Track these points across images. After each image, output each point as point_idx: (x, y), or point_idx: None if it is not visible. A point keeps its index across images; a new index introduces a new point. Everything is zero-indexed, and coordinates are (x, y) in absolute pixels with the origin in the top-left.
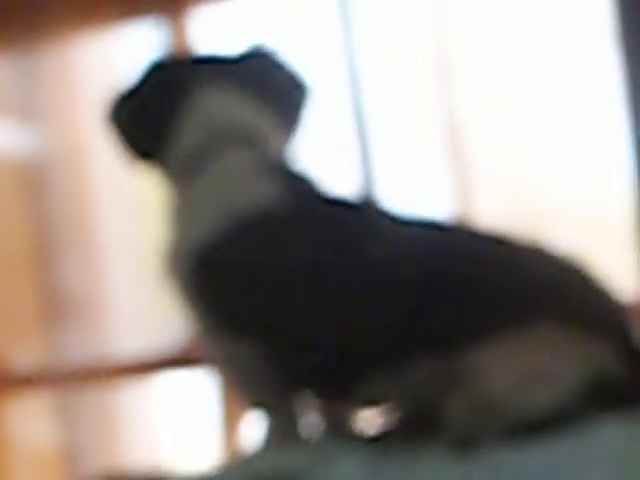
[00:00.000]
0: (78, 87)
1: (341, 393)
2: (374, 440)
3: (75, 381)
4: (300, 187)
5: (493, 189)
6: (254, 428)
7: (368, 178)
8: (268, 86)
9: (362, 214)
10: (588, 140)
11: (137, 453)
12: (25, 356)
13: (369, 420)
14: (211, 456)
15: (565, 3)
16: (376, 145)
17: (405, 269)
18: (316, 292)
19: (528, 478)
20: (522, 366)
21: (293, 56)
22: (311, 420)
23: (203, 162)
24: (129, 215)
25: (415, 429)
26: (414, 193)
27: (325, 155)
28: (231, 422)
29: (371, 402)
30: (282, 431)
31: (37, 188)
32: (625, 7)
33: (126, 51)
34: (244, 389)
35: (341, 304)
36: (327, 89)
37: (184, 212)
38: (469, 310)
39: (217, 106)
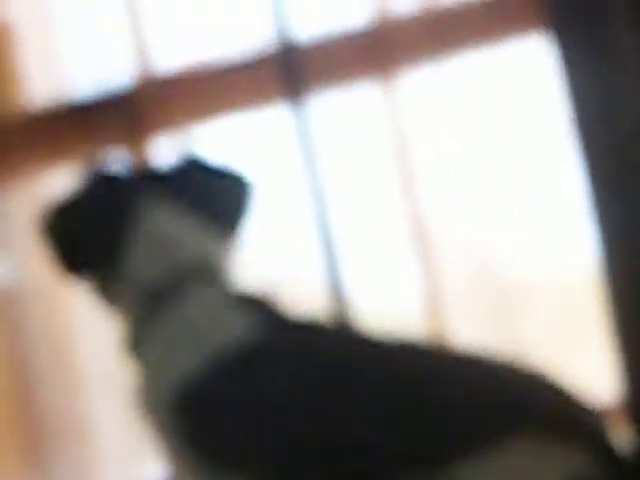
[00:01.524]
0: None
1: None
2: None
3: None
4: (268, 314)
5: (459, 270)
6: None
7: (335, 285)
8: (210, 197)
9: (333, 334)
10: (553, 217)
11: None
12: None
13: None
14: None
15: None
16: (343, 255)
17: (381, 389)
18: (298, 419)
19: None
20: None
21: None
22: None
23: (168, 297)
24: (109, 346)
25: None
26: (381, 283)
27: (290, 265)
28: None
29: None
30: None
31: (15, 316)
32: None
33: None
34: None
35: (323, 428)
36: (291, 201)
37: (153, 349)
38: (446, 427)
39: (168, 232)
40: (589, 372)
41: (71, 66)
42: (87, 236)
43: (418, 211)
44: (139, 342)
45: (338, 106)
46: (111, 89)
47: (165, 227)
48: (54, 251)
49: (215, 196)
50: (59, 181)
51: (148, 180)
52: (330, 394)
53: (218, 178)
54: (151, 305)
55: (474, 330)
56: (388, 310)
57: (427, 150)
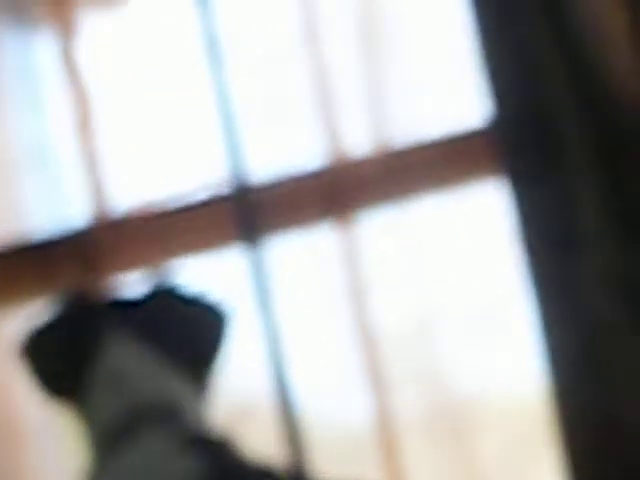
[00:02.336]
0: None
1: None
2: None
3: None
4: (220, 460)
5: (413, 389)
6: None
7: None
8: (179, 330)
9: None
10: (502, 338)
11: None
12: None
13: None
14: None
15: None
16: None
17: None
18: None
19: None
20: None
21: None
22: None
23: (123, 437)
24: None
25: None
26: (332, 411)
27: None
28: None
29: None
30: None
31: None
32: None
33: None
34: None
35: None
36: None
37: None
38: None
39: (129, 369)
40: None
41: (26, 205)
42: (56, 364)
43: (371, 342)
44: (96, 478)
45: (293, 248)
46: (67, 229)
47: (126, 362)
48: (30, 376)
49: (187, 325)
50: (14, 320)
51: (118, 309)
52: None
53: (191, 306)
54: (109, 442)
55: (428, 459)
56: (342, 442)
57: (382, 291)
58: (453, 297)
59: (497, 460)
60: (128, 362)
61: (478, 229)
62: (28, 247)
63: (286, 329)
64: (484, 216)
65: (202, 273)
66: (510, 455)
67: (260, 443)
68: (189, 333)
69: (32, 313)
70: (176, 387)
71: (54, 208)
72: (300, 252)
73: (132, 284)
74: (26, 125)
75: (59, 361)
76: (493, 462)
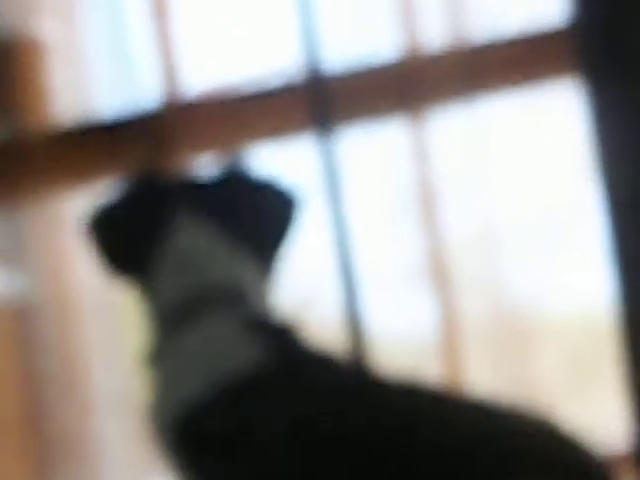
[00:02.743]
0: (64, 238)
1: None
2: None
3: None
4: (283, 345)
5: (476, 307)
6: None
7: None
8: (249, 214)
9: (349, 374)
10: (573, 257)
11: None
12: None
13: None
14: None
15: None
16: (359, 273)
17: (384, 435)
18: (299, 454)
19: None
20: None
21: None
22: None
23: (187, 317)
24: (118, 360)
25: None
26: (397, 315)
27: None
28: None
29: None
30: None
31: (24, 334)
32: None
33: None
34: None
35: (324, 465)
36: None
37: (168, 368)
38: (444, 475)
39: (199, 250)
40: (599, 418)
41: (99, 86)
42: (125, 241)
43: (439, 246)
44: (157, 358)
45: (364, 139)
46: (139, 110)
47: (195, 243)
48: (97, 251)
49: (258, 209)
50: (81, 200)
51: (188, 189)
52: (332, 432)
53: (262, 190)
54: (173, 322)
55: (488, 367)
56: (404, 344)
57: (451, 187)
58: (522, 203)
59: (557, 373)
60: (197, 243)
61: (552, 131)
62: (99, 127)
63: (353, 220)
64: (559, 118)
65: (273, 159)
66: (571, 369)
67: (323, 333)
68: (258, 217)
69: (101, 192)
70: (243, 271)
71: (126, 89)
72: (371, 145)
73: (204, 167)
74: (101, 7)
75: (126, 238)
76: (553, 374)
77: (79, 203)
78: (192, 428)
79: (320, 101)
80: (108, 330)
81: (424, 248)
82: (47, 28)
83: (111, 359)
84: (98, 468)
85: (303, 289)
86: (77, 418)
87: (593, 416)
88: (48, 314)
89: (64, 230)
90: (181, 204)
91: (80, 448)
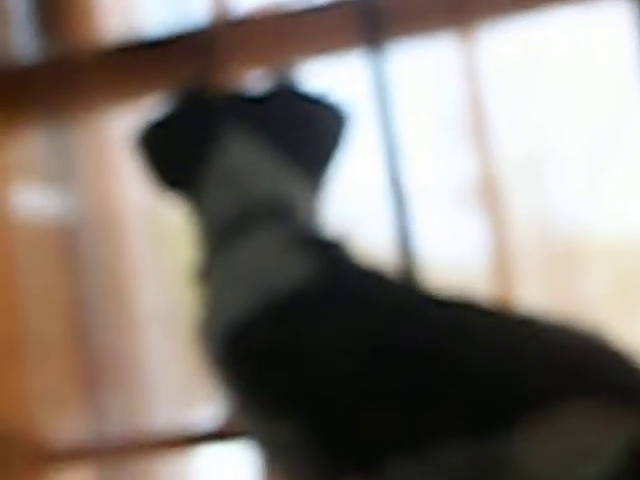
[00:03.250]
0: (111, 155)
1: (378, 473)
2: None
3: (116, 454)
4: (333, 262)
5: (528, 228)
6: None
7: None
8: (299, 129)
9: (398, 290)
10: (623, 173)
11: None
12: (65, 429)
13: None
14: None
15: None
16: (409, 193)
17: (433, 351)
18: (346, 370)
19: None
20: (562, 445)
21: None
22: None
23: (236, 233)
24: (165, 279)
25: None
26: (449, 239)
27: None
28: None
29: None
30: None
31: (71, 253)
32: None
33: None
34: (282, 467)
35: (371, 382)
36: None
37: (217, 283)
38: (497, 392)
39: (248, 165)
40: None
41: (148, 1)
42: (173, 156)
43: (489, 167)
44: (207, 273)
45: (414, 56)
46: (187, 26)
47: (245, 158)
48: (146, 166)
49: (308, 125)
50: (129, 118)
51: (238, 104)
52: (383, 348)
53: (313, 106)
54: (222, 237)
55: (538, 289)
56: (454, 264)
57: (501, 106)
58: (571, 123)
59: (606, 293)
60: (246, 158)
61: (602, 50)
62: (148, 43)
63: (403, 139)
64: (609, 36)
65: (323, 75)
66: (619, 290)
67: (372, 252)
68: (308, 133)
69: (150, 108)
70: (292, 187)
71: (176, 5)
72: (421, 62)
73: (253, 82)
74: None
75: (176, 153)
76: (602, 295)
77: (128, 121)
78: (240, 344)
79: (370, 17)
80: (156, 248)
81: (474, 169)
82: None
83: (159, 277)
84: (146, 387)
85: (353, 208)
86: (125, 337)
87: None
88: (96, 232)
89: (113, 148)
90: (231, 119)
91: (128, 367)
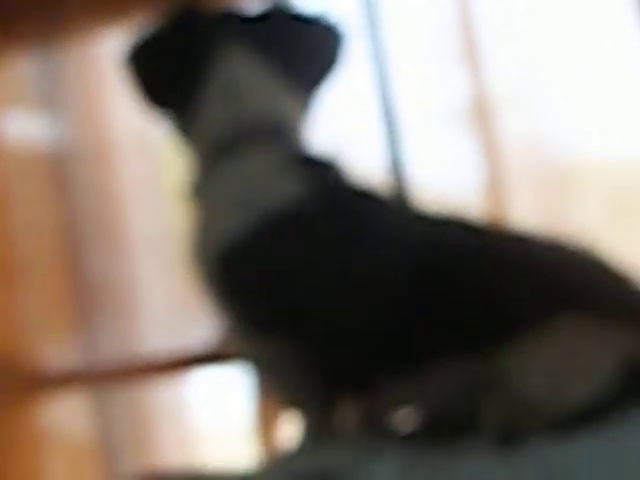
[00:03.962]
0: (101, 79)
1: (374, 391)
2: (410, 438)
3: (109, 379)
4: (326, 181)
5: (520, 150)
6: (290, 425)
7: (394, 151)
8: (294, 49)
9: (391, 209)
10: (615, 95)
11: (172, 450)
12: (57, 355)
13: (404, 418)
14: (247, 453)
15: None
16: (401, 114)
17: (427, 268)
18: (340, 288)
19: (579, 472)
20: (554, 361)
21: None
22: (347, 417)
23: (229, 151)
24: (157, 203)
25: (449, 430)
26: (441, 161)
27: (349, 127)
28: (267, 419)
29: (405, 401)
30: (318, 428)
31: (62, 179)
32: None
33: None
34: (277, 387)
35: (365, 300)
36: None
37: (210, 202)
38: (492, 310)
39: (244, 82)
40: None
41: None
42: (165, 74)
43: (480, 88)
44: (200, 193)
45: None
46: None
47: (240, 76)
48: (135, 85)
49: (303, 44)
50: (115, 41)
51: (233, 22)
52: (374, 267)
53: (308, 25)
54: (216, 155)
55: (531, 210)
56: (446, 185)
57: (492, 27)
58: (565, 44)
59: (599, 213)
60: (242, 75)
61: None
62: None
63: (394, 60)
64: None
65: None
66: (612, 210)
67: (365, 173)
68: (304, 52)
69: (139, 28)
70: (288, 106)
71: None
72: None
73: (246, 3)
74: None
75: (167, 69)
76: (596, 214)
77: (117, 43)
78: (234, 263)
79: None
80: (148, 172)
81: (466, 90)
82: None
83: (151, 201)
84: (138, 310)
85: (344, 129)
86: (116, 260)
87: (635, 253)
88: (86, 157)
89: (102, 73)
90: (224, 36)
91: (119, 290)
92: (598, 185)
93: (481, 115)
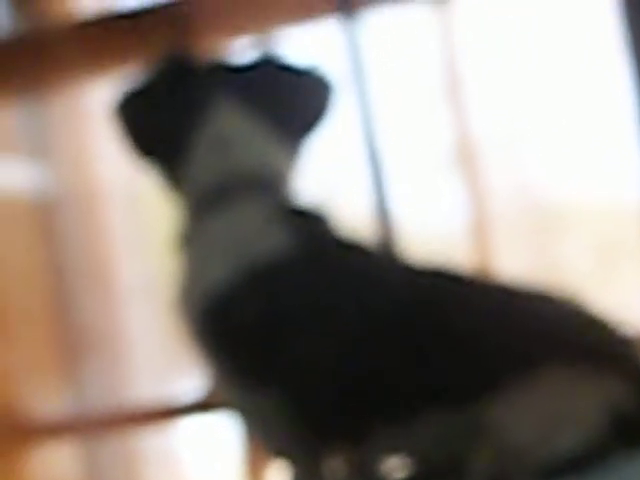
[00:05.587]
0: (89, 128)
1: (363, 441)
2: None
3: (98, 427)
4: (312, 233)
5: (506, 194)
6: (279, 474)
7: (380, 192)
8: (283, 99)
9: (377, 260)
10: (600, 140)
11: None
12: (46, 404)
13: (393, 468)
14: None
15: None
16: (387, 161)
17: (412, 319)
18: (326, 340)
19: None
20: (541, 411)
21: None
22: (336, 467)
23: (217, 202)
24: (145, 252)
25: (438, 479)
26: (427, 207)
27: (336, 172)
28: (255, 467)
29: (393, 450)
30: (307, 479)
31: (50, 228)
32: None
33: None
34: (264, 438)
35: (351, 351)
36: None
37: (197, 253)
38: (477, 361)
39: (232, 133)
40: (625, 301)
41: None
42: (154, 124)
43: (465, 133)
44: (186, 243)
45: (389, 22)
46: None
47: (229, 128)
48: (124, 134)
49: (291, 95)
50: (102, 90)
51: (222, 73)
52: (359, 318)
53: (296, 76)
54: (204, 205)
55: (516, 253)
56: (432, 231)
57: (477, 71)
58: (550, 89)
59: (584, 258)
60: (231, 127)
61: (582, 18)
62: (123, 15)
63: (380, 107)
64: (589, 5)
65: (302, 44)
66: (598, 254)
67: (351, 222)
68: (293, 103)
69: (127, 79)
70: (276, 157)
71: None
72: (396, 29)
73: (231, 52)
74: None
75: (155, 120)
76: (580, 259)
77: (104, 94)
78: (220, 315)
79: None
80: (135, 220)
81: (451, 135)
82: None
83: (139, 249)
84: (127, 359)
85: (331, 177)
86: (104, 309)
87: (620, 299)
88: (74, 205)
89: (89, 121)
90: (213, 87)
91: (107, 339)
92: (583, 229)
93: (466, 160)
